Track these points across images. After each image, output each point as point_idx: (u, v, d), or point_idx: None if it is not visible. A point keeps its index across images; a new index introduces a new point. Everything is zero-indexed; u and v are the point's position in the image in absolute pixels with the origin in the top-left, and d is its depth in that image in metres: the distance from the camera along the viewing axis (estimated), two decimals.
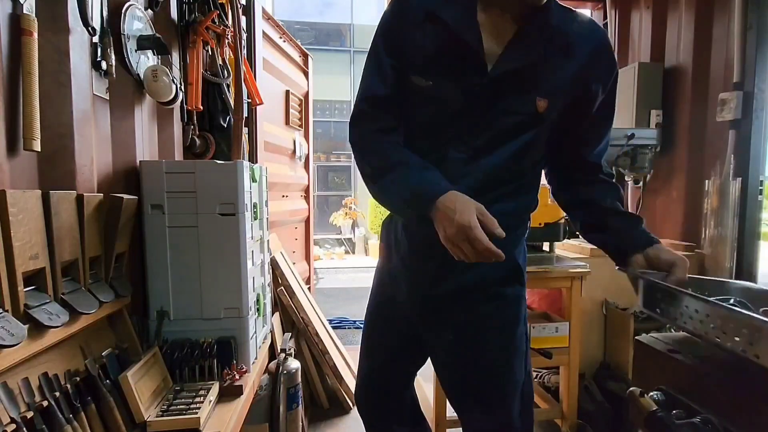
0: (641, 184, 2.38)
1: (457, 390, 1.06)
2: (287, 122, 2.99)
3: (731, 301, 0.78)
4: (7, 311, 0.76)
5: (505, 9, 0.86)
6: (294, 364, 1.75)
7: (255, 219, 1.42)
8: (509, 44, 0.86)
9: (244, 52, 2.00)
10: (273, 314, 2.04)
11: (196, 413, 1.02)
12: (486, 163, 0.90)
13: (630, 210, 2.50)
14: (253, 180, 1.41)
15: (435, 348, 1.06)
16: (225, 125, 1.77)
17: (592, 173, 1.01)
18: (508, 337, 0.99)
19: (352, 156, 0.98)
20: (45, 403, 0.81)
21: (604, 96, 0.93)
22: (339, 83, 11.97)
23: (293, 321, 2.23)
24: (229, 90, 1.80)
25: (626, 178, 2.42)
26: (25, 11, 0.90)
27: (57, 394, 0.84)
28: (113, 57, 1.15)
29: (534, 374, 2.14)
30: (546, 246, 1.99)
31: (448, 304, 0.98)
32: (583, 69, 0.89)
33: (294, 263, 2.69)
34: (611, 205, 0.97)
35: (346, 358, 2.59)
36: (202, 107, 1.62)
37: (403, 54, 0.90)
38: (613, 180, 1.03)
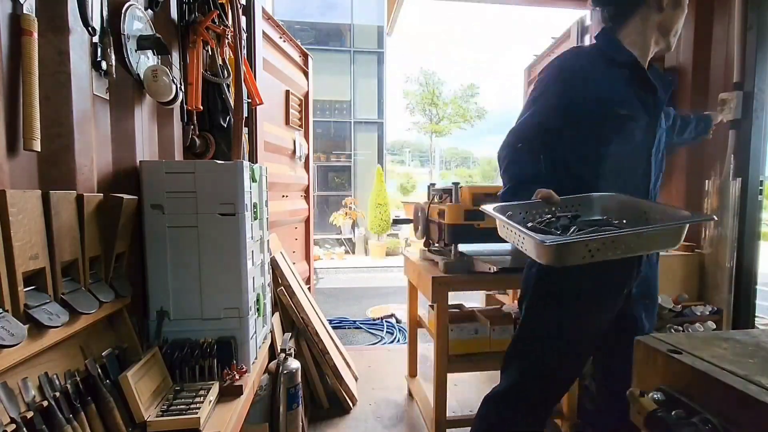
0: None
1: None
2: (287, 122, 2.99)
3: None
4: (7, 311, 0.76)
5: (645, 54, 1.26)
6: (294, 364, 1.75)
7: (255, 219, 1.42)
8: (651, 75, 1.23)
9: (244, 52, 2.00)
10: (273, 314, 2.05)
11: (196, 413, 1.02)
12: (662, 156, 1.30)
13: None
14: (253, 180, 1.41)
15: (638, 318, 1.30)
16: (225, 125, 1.77)
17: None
18: None
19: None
20: (45, 403, 0.81)
21: None
22: (339, 83, 11.98)
23: (293, 321, 2.23)
24: (229, 90, 1.80)
25: None
26: (25, 11, 0.90)
27: (57, 394, 0.84)
28: (113, 57, 1.15)
29: None
30: None
31: (651, 276, 1.32)
32: None
33: (294, 263, 2.69)
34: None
35: (346, 358, 2.59)
36: (202, 107, 1.62)
37: (598, 93, 1.18)
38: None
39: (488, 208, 1.15)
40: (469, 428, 1.40)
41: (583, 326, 1.24)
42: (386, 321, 4.23)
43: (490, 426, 1.34)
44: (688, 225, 0.97)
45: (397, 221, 2.44)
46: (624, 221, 1.11)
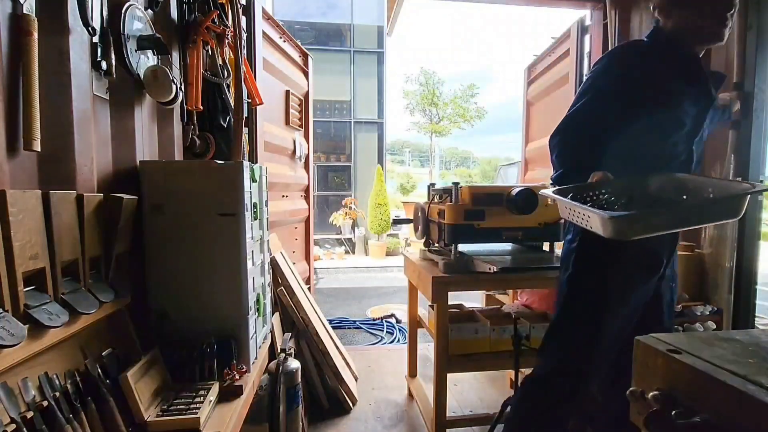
0: None
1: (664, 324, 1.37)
2: (287, 122, 2.99)
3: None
4: (7, 311, 0.76)
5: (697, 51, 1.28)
6: (294, 364, 1.75)
7: (255, 219, 1.42)
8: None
9: (244, 52, 2.00)
10: (273, 314, 2.05)
11: (196, 413, 1.02)
12: (702, 145, 1.35)
13: None
14: (253, 180, 1.41)
15: (665, 294, 1.37)
16: (225, 125, 1.77)
17: None
18: None
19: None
20: (45, 403, 0.81)
21: None
22: (339, 83, 11.97)
23: (293, 321, 2.23)
24: (229, 90, 1.80)
25: None
26: (25, 11, 0.90)
27: (57, 394, 0.84)
28: (113, 57, 1.15)
29: None
30: (546, 246, 2.00)
31: (674, 259, 1.40)
32: None
33: (294, 263, 2.69)
34: None
35: (346, 358, 2.59)
36: (202, 107, 1.62)
37: (651, 84, 1.22)
38: None
39: (548, 191, 1.19)
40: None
41: (623, 300, 1.27)
42: (386, 321, 4.23)
43: (528, 410, 1.35)
44: (749, 196, 1.00)
45: (397, 221, 2.44)
46: (683, 197, 1.14)
